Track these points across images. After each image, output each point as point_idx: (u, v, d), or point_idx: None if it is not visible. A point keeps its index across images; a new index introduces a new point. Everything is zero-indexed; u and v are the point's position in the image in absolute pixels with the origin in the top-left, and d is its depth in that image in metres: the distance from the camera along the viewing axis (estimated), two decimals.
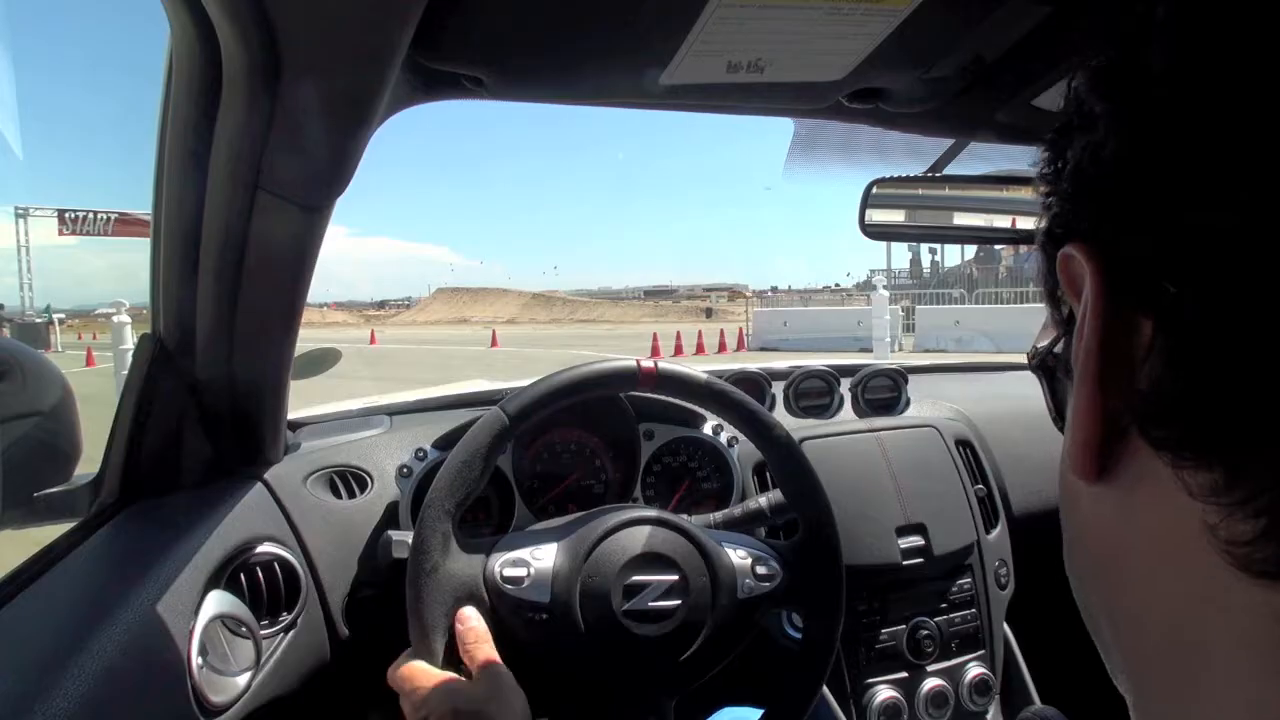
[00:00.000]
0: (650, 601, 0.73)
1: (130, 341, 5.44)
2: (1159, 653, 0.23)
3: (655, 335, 14.10)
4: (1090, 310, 0.23)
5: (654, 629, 0.73)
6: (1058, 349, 0.28)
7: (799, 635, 0.83)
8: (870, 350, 10.02)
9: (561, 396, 0.78)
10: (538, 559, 0.74)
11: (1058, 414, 0.29)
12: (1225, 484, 0.19)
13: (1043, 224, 0.27)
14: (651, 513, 0.78)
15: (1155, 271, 0.20)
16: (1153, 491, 0.22)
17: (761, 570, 0.79)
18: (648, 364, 0.81)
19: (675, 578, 0.74)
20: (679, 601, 0.74)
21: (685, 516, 0.84)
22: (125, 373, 0.78)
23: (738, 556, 0.79)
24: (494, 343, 19.69)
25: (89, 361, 12.86)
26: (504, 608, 0.73)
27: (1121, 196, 0.22)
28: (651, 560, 0.75)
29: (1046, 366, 0.30)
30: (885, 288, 11.51)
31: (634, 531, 0.76)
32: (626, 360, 0.81)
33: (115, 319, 6.53)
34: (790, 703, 0.79)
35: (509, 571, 0.73)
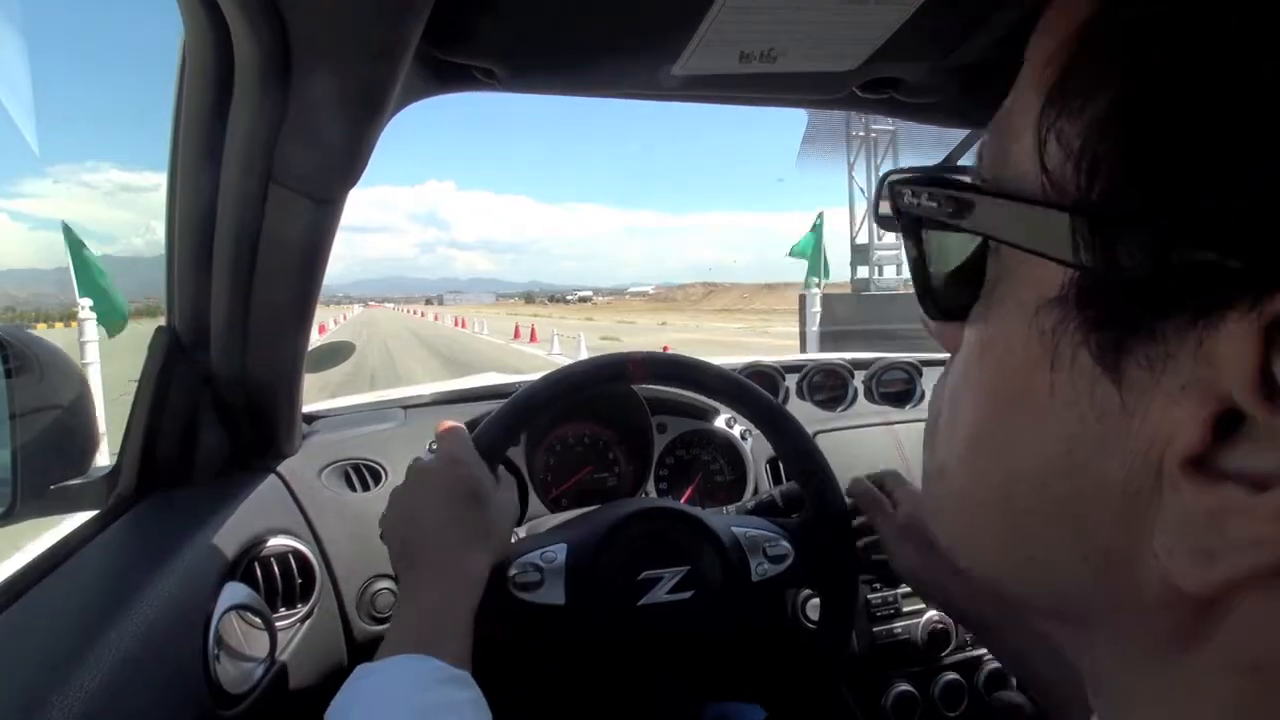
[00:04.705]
0: (664, 594, 0.73)
1: None
2: None
3: None
4: None
5: (671, 622, 0.73)
6: None
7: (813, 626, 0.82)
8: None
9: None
10: (549, 562, 0.73)
11: None
12: None
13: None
14: (655, 504, 0.78)
15: None
16: None
17: (772, 550, 0.78)
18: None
19: (687, 568, 0.74)
20: (692, 592, 0.73)
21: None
22: None
23: (745, 539, 0.78)
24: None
25: None
26: (520, 616, 0.72)
27: None
28: (661, 553, 0.74)
29: None
30: None
31: (640, 524, 0.76)
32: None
33: None
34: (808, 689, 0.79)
35: (522, 578, 0.72)
